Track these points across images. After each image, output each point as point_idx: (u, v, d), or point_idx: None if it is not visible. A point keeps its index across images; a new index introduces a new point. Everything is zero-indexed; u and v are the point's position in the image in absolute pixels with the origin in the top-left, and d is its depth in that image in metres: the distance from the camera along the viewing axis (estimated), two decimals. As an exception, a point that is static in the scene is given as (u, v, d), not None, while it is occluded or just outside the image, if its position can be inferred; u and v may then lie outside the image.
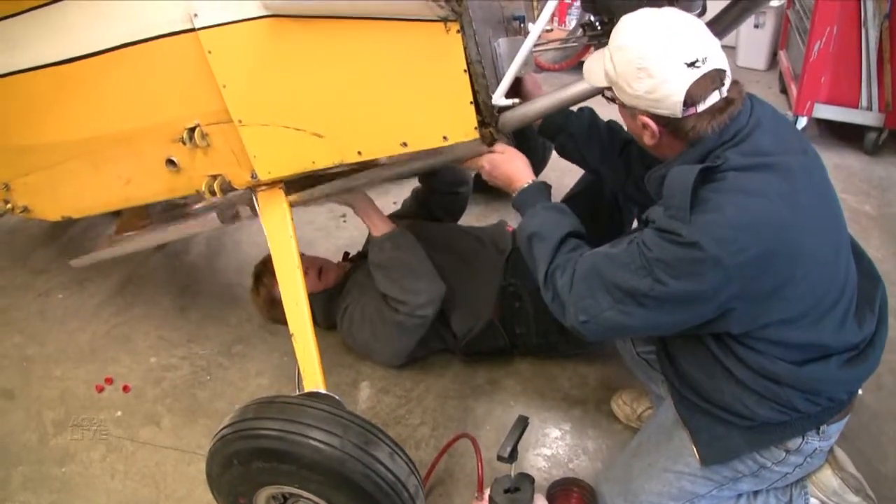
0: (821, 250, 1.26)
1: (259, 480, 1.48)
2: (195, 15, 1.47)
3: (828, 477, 1.53)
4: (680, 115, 1.20)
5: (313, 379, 1.56)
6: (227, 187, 1.71)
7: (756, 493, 1.55)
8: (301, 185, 1.72)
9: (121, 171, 1.82)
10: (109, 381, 2.22)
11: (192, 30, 1.49)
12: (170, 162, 1.71)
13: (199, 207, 1.99)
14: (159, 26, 1.53)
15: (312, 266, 2.20)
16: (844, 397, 1.39)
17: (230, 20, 1.46)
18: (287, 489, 1.49)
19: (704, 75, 1.17)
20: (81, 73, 1.65)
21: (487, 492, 1.57)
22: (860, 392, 1.44)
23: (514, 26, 1.73)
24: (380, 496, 1.40)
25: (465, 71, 1.35)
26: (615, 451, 1.86)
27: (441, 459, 1.84)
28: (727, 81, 1.21)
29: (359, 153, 1.53)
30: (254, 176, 1.65)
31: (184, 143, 1.64)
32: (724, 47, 1.23)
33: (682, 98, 1.18)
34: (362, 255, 2.30)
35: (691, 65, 1.16)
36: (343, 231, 2.94)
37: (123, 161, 1.79)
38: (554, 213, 1.49)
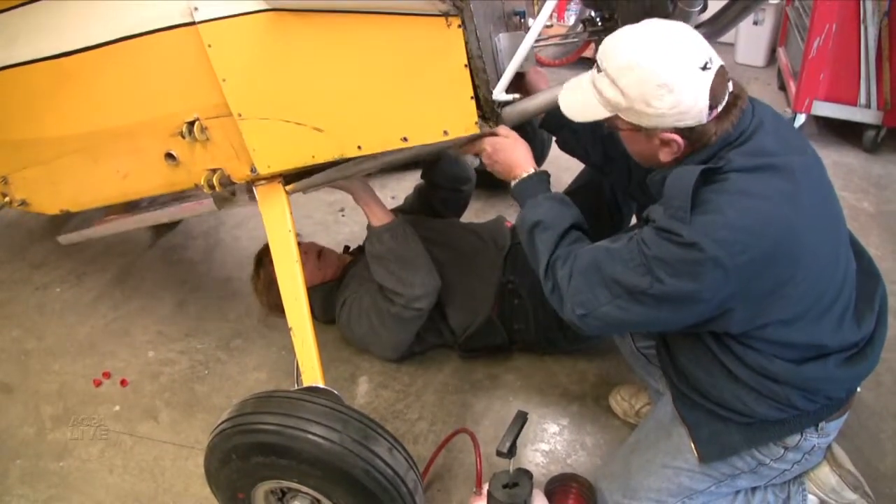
0: (821, 250, 1.25)
1: (257, 475, 1.48)
2: (195, 9, 1.47)
3: (826, 474, 1.54)
4: (705, 121, 1.19)
5: (312, 373, 1.56)
6: (227, 181, 1.70)
7: (754, 489, 1.55)
8: (297, 175, 1.71)
9: (120, 165, 1.81)
10: (107, 375, 2.22)
11: (192, 23, 1.48)
12: (169, 156, 1.70)
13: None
14: (159, 20, 1.52)
15: (311, 250, 2.20)
16: (843, 395, 1.39)
17: (230, 14, 1.45)
18: (286, 484, 1.49)
19: (717, 74, 1.17)
20: (80, 67, 1.64)
21: (486, 487, 1.57)
22: (859, 390, 1.45)
23: (515, 21, 1.72)
24: (378, 491, 1.40)
25: (465, 66, 1.35)
26: (613, 447, 1.86)
27: (440, 454, 1.84)
28: (729, 75, 1.21)
29: (359, 147, 1.52)
30: (253, 170, 1.65)
31: (183, 137, 1.63)
32: (723, 44, 1.23)
33: (707, 103, 1.16)
34: (362, 249, 2.29)
35: (704, 67, 1.15)
36: (342, 226, 2.94)
37: (122, 155, 1.79)
38: (557, 204, 1.47)
